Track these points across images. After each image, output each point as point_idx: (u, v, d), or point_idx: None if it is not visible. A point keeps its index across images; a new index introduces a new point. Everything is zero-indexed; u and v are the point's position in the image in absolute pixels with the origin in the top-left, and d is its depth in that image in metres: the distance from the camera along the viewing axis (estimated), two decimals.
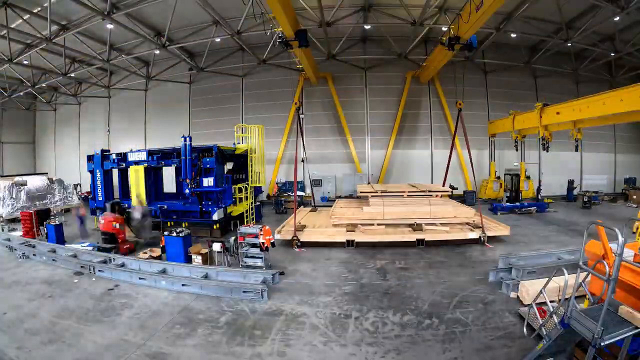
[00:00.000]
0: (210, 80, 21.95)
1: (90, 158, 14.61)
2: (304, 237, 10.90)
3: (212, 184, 12.13)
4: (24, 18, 14.66)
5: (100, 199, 14.14)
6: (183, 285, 7.39)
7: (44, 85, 23.90)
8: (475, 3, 11.38)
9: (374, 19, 16.64)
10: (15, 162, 27.08)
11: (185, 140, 12.16)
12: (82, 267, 8.79)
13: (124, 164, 13.83)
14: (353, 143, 20.82)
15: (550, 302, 6.08)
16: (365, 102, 20.80)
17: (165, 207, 12.93)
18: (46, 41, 15.36)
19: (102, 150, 14.60)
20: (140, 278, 7.91)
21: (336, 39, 18.59)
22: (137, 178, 12.91)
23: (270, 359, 4.90)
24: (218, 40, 17.59)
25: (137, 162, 13.37)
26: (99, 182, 14.12)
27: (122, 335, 5.53)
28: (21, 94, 25.04)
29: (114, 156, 14.20)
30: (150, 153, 13.43)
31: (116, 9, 13.80)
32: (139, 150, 14.06)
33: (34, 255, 10.01)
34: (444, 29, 16.75)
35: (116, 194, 14.97)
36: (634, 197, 18.35)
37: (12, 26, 14.67)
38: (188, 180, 12.21)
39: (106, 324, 5.95)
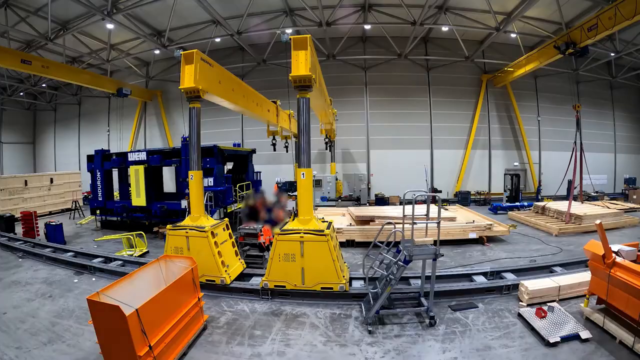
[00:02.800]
0: None
1: (90, 158, 14.63)
2: None
3: (212, 184, 12.12)
4: (24, 18, 14.69)
5: (100, 198, 14.18)
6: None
7: (44, 85, 23.94)
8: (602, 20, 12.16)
9: (374, 18, 16.64)
10: (16, 162, 27.09)
11: (185, 140, 12.15)
12: (82, 267, 8.80)
13: (124, 164, 13.84)
14: (354, 143, 20.84)
15: (550, 302, 6.11)
16: (365, 102, 20.80)
17: (165, 207, 12.92)
18: (46, 41, 15.38)
19: (102, 150, 14.62)
20: None
21: (336, 38, 18.59)
22: (137, 178, 12.92)
23: (269, 359, 4.90)
24: (218, 40, 17.59)
25: (137, 162, 13.37)
26: (99, 182, 14.15)
27: None
28: (21, 94, 25.08)
29: (114, 156, 14.22)
30: (150, 153, 13.43)
31: (116, 9, 13.82)
32: (138, 151, 14.07)
33: (34, 254, 10.01)
34: (444, 29, 16.78)
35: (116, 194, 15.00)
36: (634, 197, 18.34)
37: (12, 26, 14.70)
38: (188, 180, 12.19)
39: None
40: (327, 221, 7.56)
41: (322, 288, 6.67)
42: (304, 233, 6.69)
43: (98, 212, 14.51)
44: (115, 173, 14.88)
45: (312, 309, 6.43)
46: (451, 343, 5.18)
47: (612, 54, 18.39)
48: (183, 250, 7.23)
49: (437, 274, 7.75)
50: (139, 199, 12.96)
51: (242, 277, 7.73)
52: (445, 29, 16.75)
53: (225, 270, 7.17)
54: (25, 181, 17.37)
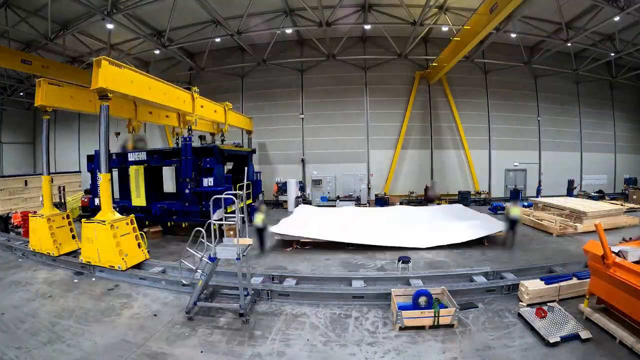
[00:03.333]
0: (210, 80, 21.82)
1: (90, 158, 14.61)
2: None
3: (212, 184, 12.11)
4: (24, 18, 14.68)
5: None
6: (183, 285, 7.36)
7: None
8: None
9: (373, 18, 16.64)
10: (16, 162, 27.07)
11: (185, 140, 12.15)
12: (82, 267, 8.80)
13: (124, 164, 13.81)
14: (354, 143, 20.86)
15: (550, 302, 6.11)
16: (366, 102, 20.79)
17: (165, 207, 12.91)
18: (46, 41, 15.38)
19: None
20: (140, 278, 7.92)
21: (336, 38, 18.59)
22: (137, 178, 12.92)
23: (269, 359, 4.90)
24: (218, 40, 17.57)
25: (137, 162, 13.35)
26: (99, 182, 14.10)
27: (122, 336, 5.53)
28: (21, 94, 25.06)
29: (114, 156, 14.19)
30: (150, 153, 13.41)
31: (116, 9, 13.81)
32: (138, 151, 14.05)
33: (34, 254, 10.00)
34: (444, 29, 16.78)
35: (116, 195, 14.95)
36: (634, 197, 18.34)
37: (12, 26, 14.70)
38: (188, 180, 12.20)
39: (106, 324, 5.95)
40: (128, 216, 9.09)
41: (109, 266, 8.21)
42: (97, 222, 8.39)
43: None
44: (115, 173, 14.85)
45: (312, 308, 6.43)
46: (451, 343, 5.18)
47: (612, 54, 18.37)
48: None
49: (437, 273, 7.81)
50: (139, 199, 12.96)
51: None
52: (445, 29, 16.73)
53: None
54: (26, 181, 17.37)
